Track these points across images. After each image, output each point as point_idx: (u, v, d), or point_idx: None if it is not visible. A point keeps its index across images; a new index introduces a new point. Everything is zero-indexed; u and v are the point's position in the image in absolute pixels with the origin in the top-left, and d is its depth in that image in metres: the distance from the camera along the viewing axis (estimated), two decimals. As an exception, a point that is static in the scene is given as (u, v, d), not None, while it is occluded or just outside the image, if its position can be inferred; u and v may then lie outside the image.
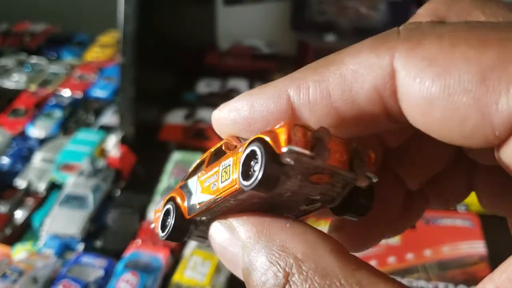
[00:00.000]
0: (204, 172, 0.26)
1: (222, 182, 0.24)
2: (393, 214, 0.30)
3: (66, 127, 1.17)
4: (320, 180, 0.23)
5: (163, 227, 0.28)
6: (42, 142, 1.11)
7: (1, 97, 1.27)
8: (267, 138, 0.21)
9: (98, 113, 1.21)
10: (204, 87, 1.28)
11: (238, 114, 0.25)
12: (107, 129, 1.12)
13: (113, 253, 0.83)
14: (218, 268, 0.79)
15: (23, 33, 1.54)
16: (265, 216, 0.24)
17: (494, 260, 0.79)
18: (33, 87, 1.30)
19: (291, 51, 1.38)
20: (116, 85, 1.23)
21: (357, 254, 0.23)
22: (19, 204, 0.95)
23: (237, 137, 0.26)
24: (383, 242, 0.86)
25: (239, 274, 0.24)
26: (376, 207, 0.26)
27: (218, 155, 0.26)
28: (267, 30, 1.47)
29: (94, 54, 1.44)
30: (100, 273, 0.79)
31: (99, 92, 1.27)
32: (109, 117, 1.18)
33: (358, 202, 0.25)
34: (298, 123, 0.22)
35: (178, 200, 0.28)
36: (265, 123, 0.24)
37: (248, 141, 0.23)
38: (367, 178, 0.23)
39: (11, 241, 0.87)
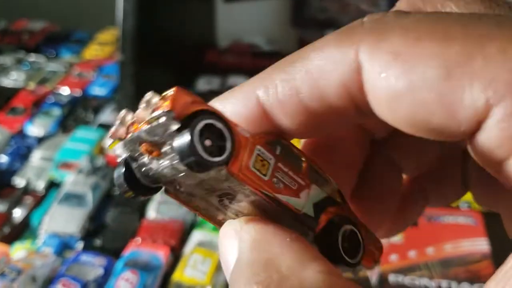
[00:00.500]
0: (282, 162, 0.23)
1: (289, 198, 0.23)
2: (393, 200, 0.30)
3: (65, 125, 1.16)
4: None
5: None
6: (40, 140, 1.11)
7: (-1, 95, 1.26)
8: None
9: (97, 111, 1.20)
10: (204, 84, 1.27)
11: None
12: (106, 127, 1.12)
13: (113, 252, 0.83)
14: (219, 266, 0.78)
15: (21, 31, 1.53)
16: (270, 225, 0.22)
17: (497, 258, 0.78)
18: (31, 85, 1.29)
19: (291, 49, 1.36)
20: (115, 83, 1.22)
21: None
22: (17, 203, 0.94)
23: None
24: (385, 240, 0.85)
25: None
26: (377, 193, 0.26)
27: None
28: (268, 27, 1.46)
29: (93, 52, 1.43)
30: (100, 271, 0.78)
31: (98, 90, 1.26)
32: (108, 115, 1.17)
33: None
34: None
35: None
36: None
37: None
38: None
39: (9, 240, 0.87)
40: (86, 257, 0.81)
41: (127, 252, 0.82)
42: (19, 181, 0.99)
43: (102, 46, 1.44)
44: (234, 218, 0.23)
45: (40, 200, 0.95)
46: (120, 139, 0.21)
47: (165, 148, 0.20)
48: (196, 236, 0.84)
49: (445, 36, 0.19)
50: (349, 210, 0.25)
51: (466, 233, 0.83)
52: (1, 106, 1.21)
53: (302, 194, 0.23)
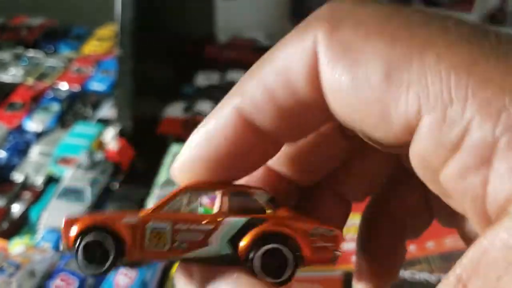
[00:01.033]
0: (179, 219, 0.25)
1: (199, 250, 0.24)
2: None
3: (63, 120, 1.16)
4: None
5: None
6: (39, 135, 1.10)
7: (-2, 91, 1.26)
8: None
9: (95, 106, 1.20)
10: (203, 80, 1.27)
11: (200, 163, 0.24)
12: (105, 122, 1.11)
13: (112, 247, 0.82)
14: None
15: (20, 27, 1.53)
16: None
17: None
18: (30, 81, 1.29)
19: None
20: (114, 78, 1.22)
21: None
22: (16, 198, 0.94)
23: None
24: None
25: None
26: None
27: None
28: (267, 22, 1.46)
29: (91, 47, 1.43)
30: (98, 266, 0.78)
31: (97, 85, 1.26)
32: (107, 110, 1.17)
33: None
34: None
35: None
36: (227, 147, 0.23)
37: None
38: None
39: (8, 235, 0.86)
40: (85, 252, 0.81)
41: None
42: (17, 176, 0.99)
43: (101, 42, 1.44)
44: None
45: (38, 195, 0.94)
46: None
47: None
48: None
49: (392, 35, 0.19)
50: (282, 218, 0.24)
51: (466, 227, 0.82)
52: (0, 102, 1.20)
53: (211, 239, 0.24)
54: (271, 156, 0.25)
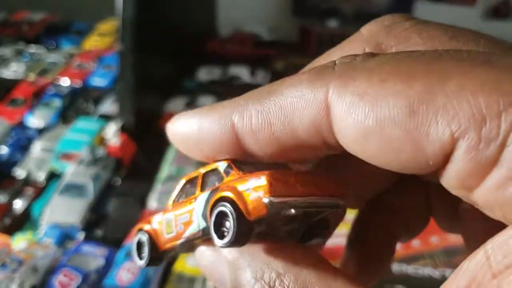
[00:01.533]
0: (179, 207, 0.28)
1: (188, 229, 0.27)
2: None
3: (65, 116, 1.16)
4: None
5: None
6: (41, 131, 1.10)
7: (-1, 87, 1.26)
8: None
9: (97, 101, 1.19)
10: (205, 74, 1.26)
11: (189, 132, 0.26)
12: (106, 118, 1.11)
13: (114, 242, 0.82)
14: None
15: (21, 22, 1.52)
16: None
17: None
18: (31, 77, 1.28)
19: (293, 37, 1.36)
20: (116, 74, 1.21)
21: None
22: (18, 194, 0.93)
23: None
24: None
25: None
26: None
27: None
28: (269, 16, 1.45)
29: (93, 42, 1.42)
30: (101, 262, 0.78)
31: (98, 81, 1.26)
32: (109, 106, 1.17)
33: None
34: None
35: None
36: (212, 147, 0.26)
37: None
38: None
39: (10, 231, 0.86)
40: (87, 248, 0.81)
41: (129, 242, 0.81)
42: (19, 172, 0.99)
43: (102, 37, 1.44)
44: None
45: (40, 191, 0.94)
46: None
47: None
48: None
49: (408, 75, 0.20)
50: (227, 182, 0.26)
51: (470, 222, 0.82)
52: (1, 98, 1.20)
53: (193, 217, 0.27)
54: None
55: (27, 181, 0.97)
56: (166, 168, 0.96)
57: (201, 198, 0.26)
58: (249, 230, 0.24)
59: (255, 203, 0.23)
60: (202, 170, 0.28)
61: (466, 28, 0.25)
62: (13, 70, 1.31)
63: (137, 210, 0.89)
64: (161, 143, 1.02)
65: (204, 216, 0.26)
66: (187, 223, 0.27)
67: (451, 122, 0.19)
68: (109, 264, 0.78)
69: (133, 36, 1.03)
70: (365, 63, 0.22)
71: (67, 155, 1.00)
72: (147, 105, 1.11)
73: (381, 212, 0.32)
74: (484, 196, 0.19)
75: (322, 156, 0.26)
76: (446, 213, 0.31)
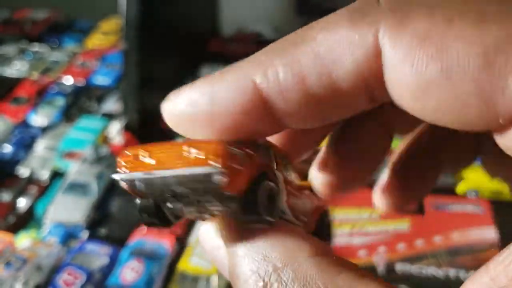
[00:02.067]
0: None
1: None
2: (372, 160, 0.29)
3: (68, 114, 1.16)
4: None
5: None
6: (44, 130, 1.10)
7: (2, 85, 1.26)
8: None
9: (100, 100, 1.19)
10: (208, 73, 1.26)
11: (196, 108, 0.21)
12: (110, 116, 1.11)
13: (118, 241, 0.82)
14: (225, 255, 0.78)
15: (24, 21, 1.52)
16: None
17: (505, 246, 0.77)
18: (34, 75, 1.29)
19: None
20: (119, 72, 1.21)
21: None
22: (22, 192, 0.94)
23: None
24: (392, 228, 0.84)
25: (227, 277, 0.23)
26: (355, 149, 0.27)
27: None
28: (272, 15, 1.45)
29: (96, 41, 1.42)
30: (105, 260, 0.78)
31: (102, 79, 1.26)
32: (112, 104, 1.17)
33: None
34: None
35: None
36: (231, 118, 0.20)
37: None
38: None
39: (14, 229, 0.86)
40: (91, 246, 0.81)
41: (133, 241, 0.81)
42: (23, 171, 0.99)
43: (105, 35, 1.43)
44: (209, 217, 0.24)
45: (44, 190, 0.94)
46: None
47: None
48: (202, 225, 0.84)
49: (480, 16, 0.17)
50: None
51: (473, 221, 0.82)
52: (5, 96, 1.20)
53: None
54: (272, 134, 0.23)
55: (31, 180, 0.97)
56: (169, 167, 0.96)
57: None
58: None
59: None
60: None
61: None
62: (16, 69, 1.31)
63: (140, 209, 0.89)
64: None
65: None
66: None
67: None
68: (113, 263, 0.78)
69: (136, 35, 1.03)
70: None
71: (70, 153, 1.00)
72: (150, 103, 1.11)
73: (429, 141, 0.30)
74: None
75: (360, 112, 0.22)
76: (495, 155, 0.27)
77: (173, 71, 1.23)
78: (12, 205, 0.91)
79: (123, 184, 0.21)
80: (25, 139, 1.07)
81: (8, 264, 0.75)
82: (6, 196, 0.93)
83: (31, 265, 0.75)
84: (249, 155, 0.21)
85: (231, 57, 1.29)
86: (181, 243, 0.82)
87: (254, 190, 0.21)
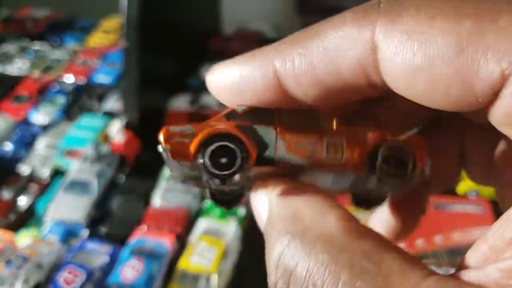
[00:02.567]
0: (289, 131, 0.26)
1: (328, 154, 0.25)
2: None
3: (69, 113, 1.16)
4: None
5: (218, 165, 0.24)
6: (45, 128, 1.10)
7: (3, 83, 1.26)
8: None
9: (101, 98, 1.19)
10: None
11: (229, 80, 0.26)
12: (111, 115, 1.11)
13: (118, 239, 0.82)
14: (225, 253, 0.78)
15: (25, 19, 1.52)
16: (292, 182, 0.26)
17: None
18: (36, 73, 1.29)
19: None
20: (120, 71, 1.21)
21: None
22: (22, 191, 0.94)
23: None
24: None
25: (262, 230, 0.26)
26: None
27: (304, 120, 0.26)
28: (273, 14, 1.45)
29: (97, 39, 1.42)
30: (105, 259, 0.78)
31: (103, 78, 1.26)
32: (113, 103, 1.17)
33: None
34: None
35: (246, 143, 0.25)
36: (253, 93, 0.26)
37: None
38: None
39: (15, 228, 0.87)
40: (91, 245, 0.81)
41: (133, 240, 0.81)
42: (24, 169, 0.99)
43: (106, 34, 1.43)
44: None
45: (45, 188, 0.94)
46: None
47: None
48: (202, 223, 0.84)
49: (457, 12, 0.20)
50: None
51: (474, 221, 0.82)
52: (6, 94, 1.20)
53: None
54: (284, 105, 0.27)
55: (32, 178, 0.97)
56: (170, 166, 0.96)
57: None
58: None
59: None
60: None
61: None
62: (17, 67, 1.31)
63: (141, 207, 0.89)
64: (165, 141, 1.02)
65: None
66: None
67: (501, 60, 0.19)
68: (113, 261, 0.78)
69: (137, 34, 1.03)
70: (413, 0, 0.22)
71: (71, 152, 1.00)
72: (151, 102, 1.11)
73: None
74: None
75: (364, 97, 0.26)
76: (480, 163, 0.31)
77: (174, 69, 1.23)
78: (13, 203, 0.91)
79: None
80: (26, 137, 1.07)
81: (8, 262, 0.75)
82: (7, 194, 0.93)
83: (32, 263, 0.75)
84: (201, 127, 0.25)
85: (232, 56, 1.29)
86: (181, 242, 0.82)
87: (203, 152, 0.24)
